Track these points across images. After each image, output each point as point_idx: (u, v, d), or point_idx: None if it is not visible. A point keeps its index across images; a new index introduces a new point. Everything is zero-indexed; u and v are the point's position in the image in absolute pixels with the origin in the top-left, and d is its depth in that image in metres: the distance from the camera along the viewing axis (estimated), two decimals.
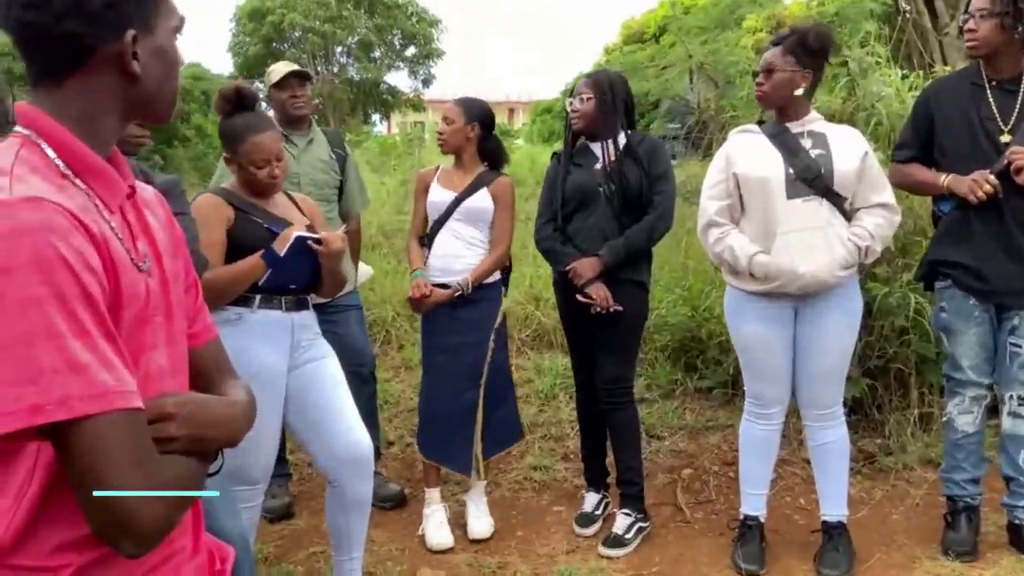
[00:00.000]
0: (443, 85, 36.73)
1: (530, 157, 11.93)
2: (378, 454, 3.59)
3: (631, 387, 3.13)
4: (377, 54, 27.57)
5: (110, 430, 0.84)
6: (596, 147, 3.05)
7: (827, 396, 2.84)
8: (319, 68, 26.73)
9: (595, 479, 3.29)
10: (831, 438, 2.87)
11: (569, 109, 3.05)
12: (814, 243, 2.66)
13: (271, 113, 3.45)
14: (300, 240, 2.36)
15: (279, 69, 3.41)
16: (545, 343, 4.76)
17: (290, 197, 2.68)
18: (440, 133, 3.16)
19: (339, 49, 26.84)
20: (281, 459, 3.29)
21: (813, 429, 2.90)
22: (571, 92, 3.12)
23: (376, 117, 29.08)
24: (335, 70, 27.25)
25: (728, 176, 2.82)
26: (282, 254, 2.36)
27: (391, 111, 28.93)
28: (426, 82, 28.54)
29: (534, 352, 4.76)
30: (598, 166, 3.02)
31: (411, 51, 27.96)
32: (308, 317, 2.57)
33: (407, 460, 3.79)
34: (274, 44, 25.96)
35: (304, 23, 25.14)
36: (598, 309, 2.90)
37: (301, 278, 2.50)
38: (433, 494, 3.20)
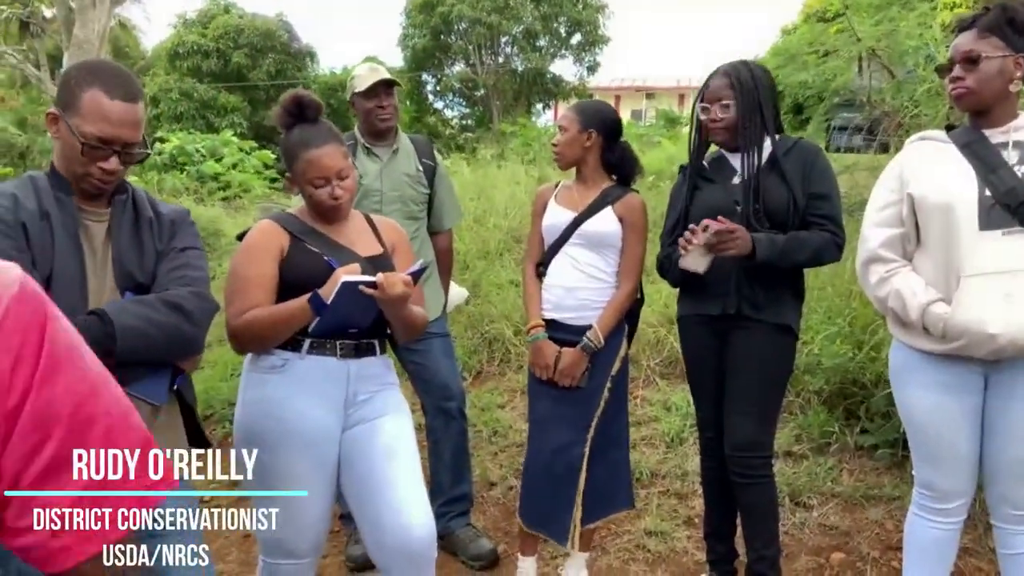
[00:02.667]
0: (609, 72, 35.92)
1: None
2: (471, 503, 3.21)
3: (769, 457, 2.50)
4: (542, 43, 27.35)
5: None
6: (735, 158, 2.48)
7: None
8: (485, 59, 26.88)
9: (719, 563, 2.70)
10: None
11: (705, 118, 2.48)
12: (1014, 293, 1.97)
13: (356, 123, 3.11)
14: (348, 286, 1.96)
15: (366, 76, 2.97)
16: (678, 373, 4.15)
17: (369, 221, 2.31)
18: (554, 144, 2.68)
19: (504, 39, 26.85)
20: None
21: (1005, 533, 2.19)
22: (702, 93, 2.53)
23: (540, 107, 28.86)
24: (500, 60, 27.28)
25: (902, 197, 2.18)
26: (328, 301, 1.99)
27: (555, 100, 28.61)
28: (591, 69, 28.01)
29: (665, 382, 4.18)
30: (736, 180, 2.46)
31: (576, 39, 27.49)
32: (372, 365, 2.17)
33: (508, 507, 3.35)
34: (442, 36, 26.36)
35: (471, 14, 25.34)
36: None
37: (361, 322, 2.12)
38: (527, 564, 2.75)
